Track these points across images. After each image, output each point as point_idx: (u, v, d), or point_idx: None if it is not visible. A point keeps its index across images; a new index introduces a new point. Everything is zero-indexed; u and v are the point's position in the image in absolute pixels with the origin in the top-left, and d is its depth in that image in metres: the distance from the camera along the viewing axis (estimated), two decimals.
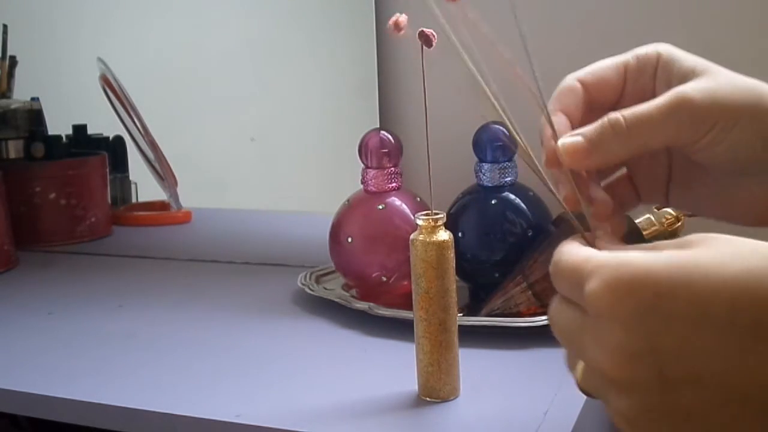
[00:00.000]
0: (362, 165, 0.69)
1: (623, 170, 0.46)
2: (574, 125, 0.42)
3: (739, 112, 0.39)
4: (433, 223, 0.48)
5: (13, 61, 1.04)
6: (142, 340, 0.63)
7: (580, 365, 0.35)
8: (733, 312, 0.30)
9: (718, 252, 0.31)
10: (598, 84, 0.43)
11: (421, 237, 0.48)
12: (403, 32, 0.43)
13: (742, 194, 0.42)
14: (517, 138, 0.40)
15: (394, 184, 0.69)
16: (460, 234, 0.66)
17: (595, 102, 0.43)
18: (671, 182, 0.45)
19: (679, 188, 0.45)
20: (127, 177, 1.14)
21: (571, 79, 0.43)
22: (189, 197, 1.08)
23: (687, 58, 0.42)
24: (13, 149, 0.99)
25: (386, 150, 0.68)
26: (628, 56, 0.43)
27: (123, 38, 1.12)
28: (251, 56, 1.05)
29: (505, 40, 0.38)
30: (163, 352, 0.60)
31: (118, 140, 1.12)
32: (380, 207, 0.68)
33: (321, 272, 0.75)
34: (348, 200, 0.70)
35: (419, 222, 0.48)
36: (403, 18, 0.43)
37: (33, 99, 1.02)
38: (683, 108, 0.39)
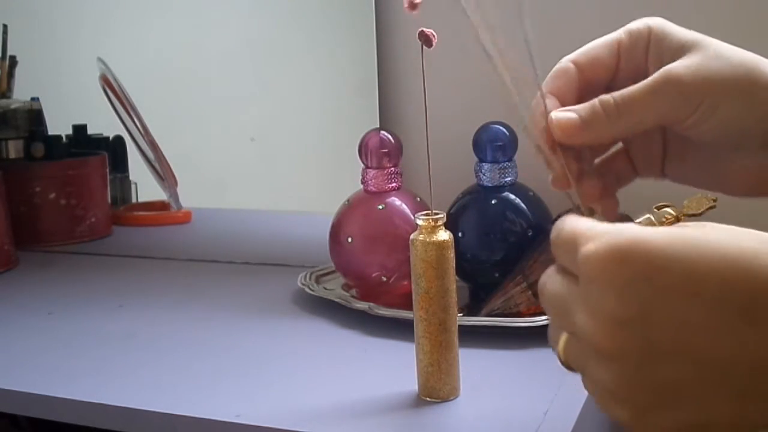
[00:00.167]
0: (362, 165, 0.69)
1: (620, 145, 0.47)
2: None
3: (727, 89, 0.40)
4: (433, 223, 0.48)
5: (13, 61, 1.04)
6: (142, 340, 0.63)
7: (564, 337, 0.35)
8: (725, 290, 0.30)
9: (715, 231, 0.32)
10: (592, 64, 0.43)
11: (421, 237, 0.48)
12: (417, 11, 0.42)
13: (735, 167, 0.43)
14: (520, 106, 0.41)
15: (394, 184, 0.69)
16: (460, 234, 0.66)
17: (589, 82, 0.44)
18: (666, 157, 0.46)
19: (674, 162, 0.46)
20: (127, 177, 1.14)
21: (565, 62, 0.44)
22: (189, 197, 1.08)
23: (678, 33, 0.42)
24: (13, 149, 0.99)
25: (386, 150, 0.68)
26: (620, 33, 0.44)
27: (123, 38, 1.12)
28: (251, 56, 1.05)
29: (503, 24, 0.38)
30: (163, 352, 0.60)
31: (118, 140, 1.12)
32: (380, 207, 0.68)
33: (321, 272, 0.75)
34: (348, 200, 0.70)
35: (419, 222, 0.48)
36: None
37: (33, 99, 1.02)
38: (670, 88, 0.40)
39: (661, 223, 0.62)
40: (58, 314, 0.70)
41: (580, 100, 0.43)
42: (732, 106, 0.40)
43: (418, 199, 0.70)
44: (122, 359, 0.59)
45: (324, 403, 0.49)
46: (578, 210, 0.42)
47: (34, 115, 1.01)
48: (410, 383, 0.50)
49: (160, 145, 1.04)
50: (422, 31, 0.44)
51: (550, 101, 0.43)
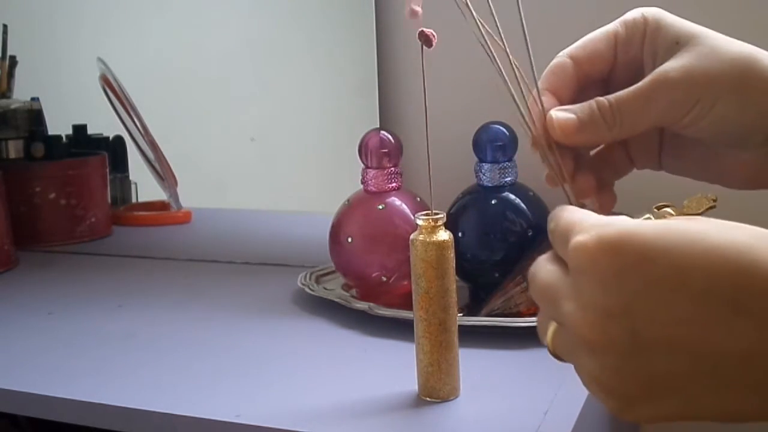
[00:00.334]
0: (362, 165, 0.69)
1: None
2: (564, 103, 0.43)
3: (721, 88, 0.40)
4: (433, 223, 0.48)
5: (13, 61, 1.04)
6: (142, 340, 0.63)
7: (552, 327, 0.36)
8: (712, 282, 0.30)
9: (706, 225, 0.32)
10: (589, 58, 0.43)
11: (421, 237, 0.48)
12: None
13: (733, 161, 0.43)
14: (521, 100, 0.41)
15: (394, 184, 0.69)
16: (460, 234, 0.66)
17: (587, 76, 0.44)
18: (663, 150, 0.46)
19: (671, 155, 0.46)
20: (127, 177, 1.14)
21: (562, 56, 0.44)
22: (189, 197, 1.08)
23: (672, 25, 0.42)
24: (13, 149, 0.99)
25: (386, 150, 0.68)
26: (617, 25, 0.43)
27: (123, 38, 1.12)
28: (251, 56, 1.05)
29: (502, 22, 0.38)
30: (163, 352, 0.60)
31: (118, 140, 1.12)
32: (380, 207, 0.68)
33: (321, 272, 0.75)
34: (348, 200, 0.70)
35: (419, 222, 0.48)
36: (417, 7, 0.43)
37: (33, 99, 1.02)
38: (664, 92, 0.40)
39: None
40: (58, 314, 0.70)
41: (577, 95, 0.43)
42: (728, 104, 0.40)
43: (418, 199, 0.70)
44: (122, 359, 0.59)
45: (324, 403, 0.49)
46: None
47: (34, 115, 1.01)
48: (410, 383, 0.50)
49: (160, 145, 1.04)
50: (422, 31, 0.44)
51: (547, 98, 0.43)
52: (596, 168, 0.45)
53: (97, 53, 1.05)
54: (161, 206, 1.11)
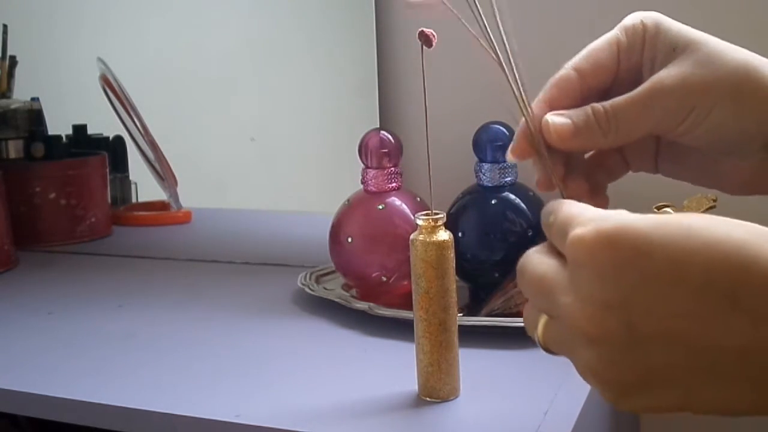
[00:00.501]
0: (362, 165, 0.69)
1: None
2: None
3: (717, 96, 0.40)
4: (433, 223, 0.48)
5: (13, 61, 1.04)
6: (142, 340, 0.63)
7: (542, 320, 0.36)
8: (710, 276, 0.30)
9: (703, 220, 0.32)
10: (594, 70, 0.43)
11: (421, 237, 0.48)
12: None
13: (730, 168, 0.43)
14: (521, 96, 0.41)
15: (394, 184, 0.69)
16: (460, 234, 0.66)
17: (591, 88, 0.43)
18: (659, 154, 0.46)
19: (668, 162, 0.46)
20: (127, 177, 1.14)
21: (567, 68, 0.43)
22: (189, 197, 1.08)
23: (670, 30, 0.42)
24: (13, 149, 0.99)
25: (386, 150, 0.68)
26: (617, 33, 0.43)
27: (123, 38, 1.12)
28: (251, 56, 1.05)
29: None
30: (163, 352, 0.60)
31: (118, 140, 1.12)
32: (380, 207, 0.68)
33: (321, 272, 0.75)
34: (348, 200, 0.70)
35: (419, 222, 0.48)
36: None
37: (33, 99, 1.02)
38: (659, 101, 0.40)
39: None
40: (58, 314, 0.70)
41: (580, 106, 0.43)
42: (724, 112, 0.40)
43: (418, 199, 0.70)
44: (122, 359, 0.59)
45: (324, 403, 0.49)
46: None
47: (34, 115, 1.01)
48: (410, 383, 0.50)
49: (160, 145, 1.04)
50: (422, 31, 0.44)
51: (542, 106, 0.42)
52: (590, 171, 0.45)
53: (97, 53, 1.05)
54: (161, 206, 1.11)
